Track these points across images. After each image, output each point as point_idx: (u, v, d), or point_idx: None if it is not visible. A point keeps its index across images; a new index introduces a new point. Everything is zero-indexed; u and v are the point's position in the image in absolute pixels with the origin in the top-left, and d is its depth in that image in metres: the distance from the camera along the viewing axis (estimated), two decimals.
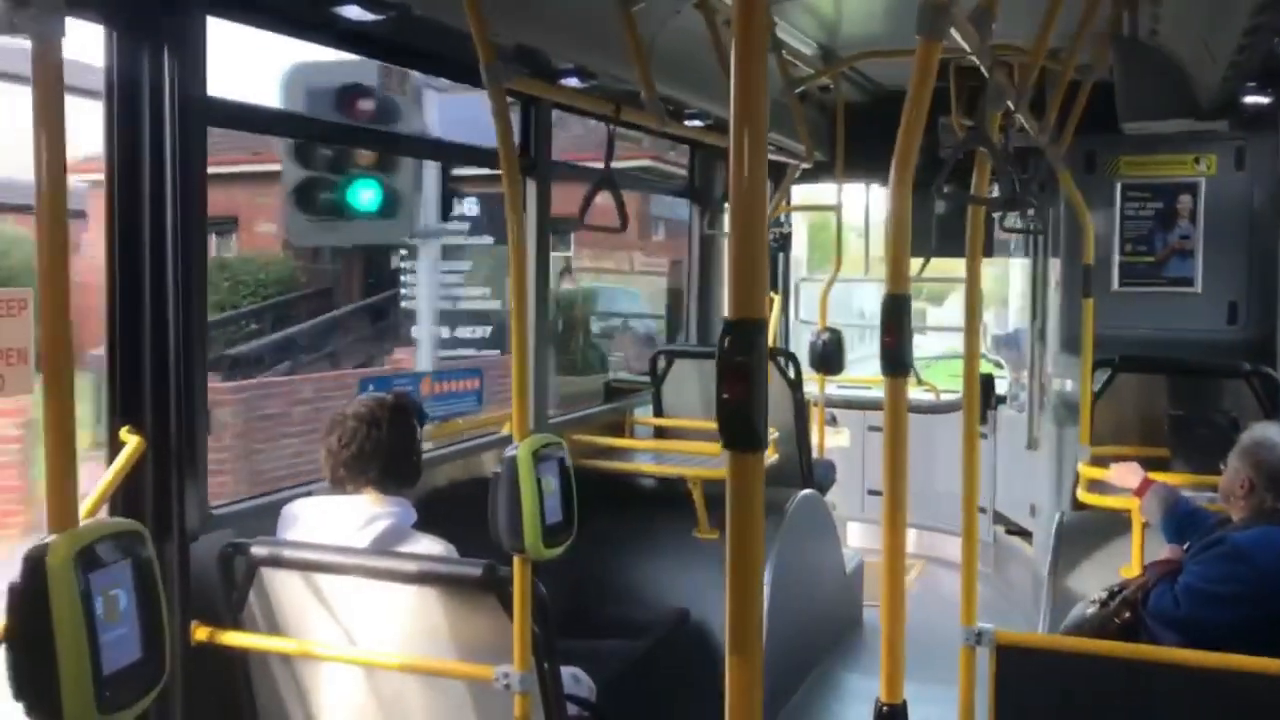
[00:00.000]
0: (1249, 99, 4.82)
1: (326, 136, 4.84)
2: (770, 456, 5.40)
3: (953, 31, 2.12)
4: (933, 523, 7.54)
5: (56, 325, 1.57)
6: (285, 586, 3.04)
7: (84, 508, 2.66)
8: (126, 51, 2.87)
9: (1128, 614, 3.55)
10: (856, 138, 6.71)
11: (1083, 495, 4.55)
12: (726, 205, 6.28)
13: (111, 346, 2.94)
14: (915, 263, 7.78)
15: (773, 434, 5.51)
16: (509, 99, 4.43)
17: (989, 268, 8.72)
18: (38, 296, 1.67)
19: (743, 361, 1.36)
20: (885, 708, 2.26)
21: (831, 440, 7.34)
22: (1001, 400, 7.32)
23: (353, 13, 3.19)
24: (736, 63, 1.37)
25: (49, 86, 1.50)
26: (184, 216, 2.93)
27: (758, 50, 1.39)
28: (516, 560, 2.74)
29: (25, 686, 1.60)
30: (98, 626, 1.59)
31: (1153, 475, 4.18)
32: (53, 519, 1.57)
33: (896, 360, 2.19)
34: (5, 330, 2.43)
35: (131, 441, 2.88)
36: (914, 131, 2.11)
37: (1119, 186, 6.13)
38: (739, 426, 1.39)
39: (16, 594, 1.57)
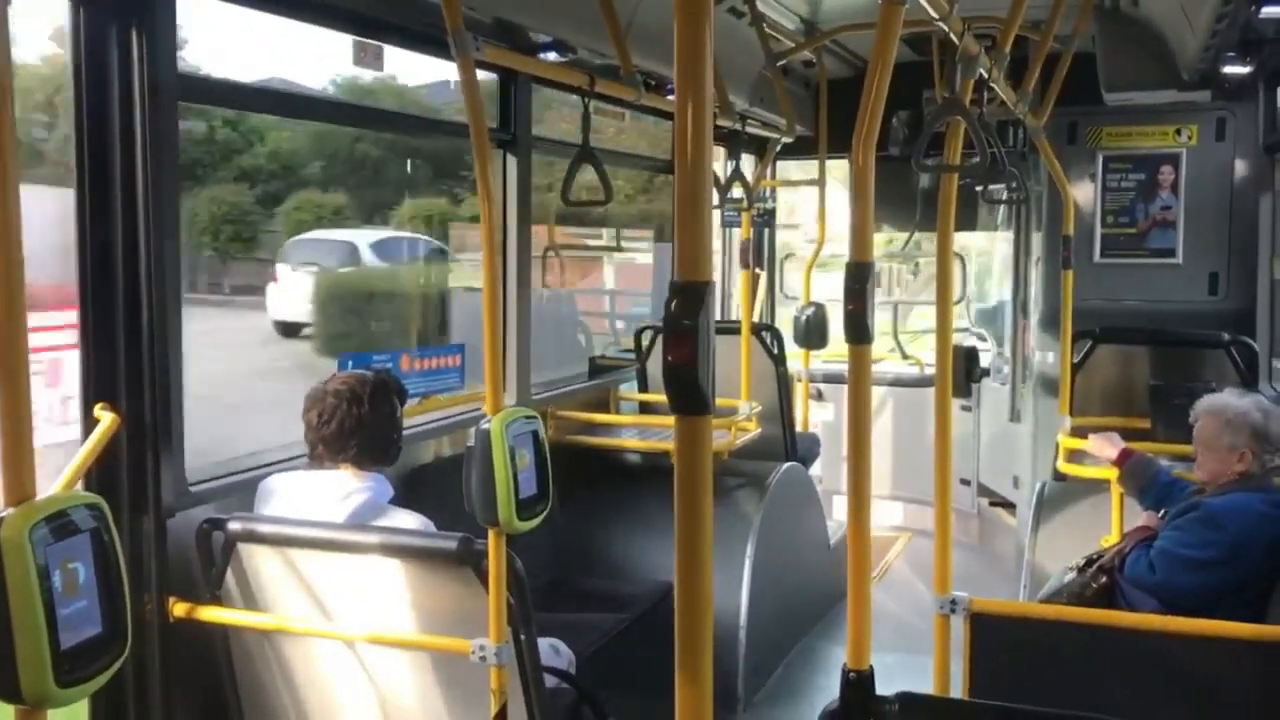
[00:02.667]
0: (1229, 69, 4.81)
1: (300, 112, 4.81)
2: (753, 430, 5.42)
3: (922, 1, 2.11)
4: (919, 495, 7.58)
5: (9, 298, 1.56)
6: (263, 561, 3.04)
7: (57, 484, 2.66)
8: (94, 27, 2.84)
9: (1104, 579, 3.58)
10: (840, 111, 6.69)
11: (1062, 466, 4.57)
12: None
13: (85, 323, 2.92)
14: (902, 235, 7.81)
15: (756, 408, 5.52)
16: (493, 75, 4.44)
17: (975, 241, 8.73)
18: None
19: (689, 325, 1.36)
20: (852, 674, 2.27)
21: (816, 414, 7.36)
22: (985, 373, 7.34)
23: None
24: (678, 27, 1.37)
25: None
26: (156, 192, 2.91)
27: (700, 18, 1.38)
28: (491, 533, 2.75)
29: None
30: (55, 600, 1.59)
31: (1132, 445, 4.20)
32: (9, 492, 1.57)
33: (860, 328, 2.19)
34: None
35: (106, 418, 2.87)
36: (877, 101, 2.10)
37: (1101, 158, 6.13)
38: (686, 390, 1.39)
39: None
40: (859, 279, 2.16)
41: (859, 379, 2.23)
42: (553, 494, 2.95)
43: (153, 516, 2.98)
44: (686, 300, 1.36)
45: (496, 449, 2.73)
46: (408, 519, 3.11)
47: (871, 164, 2.17)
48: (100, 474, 2.89)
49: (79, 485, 2.76)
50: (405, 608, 2.92)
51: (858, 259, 2.17)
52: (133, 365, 2.94)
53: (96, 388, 2.92)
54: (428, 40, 3.37)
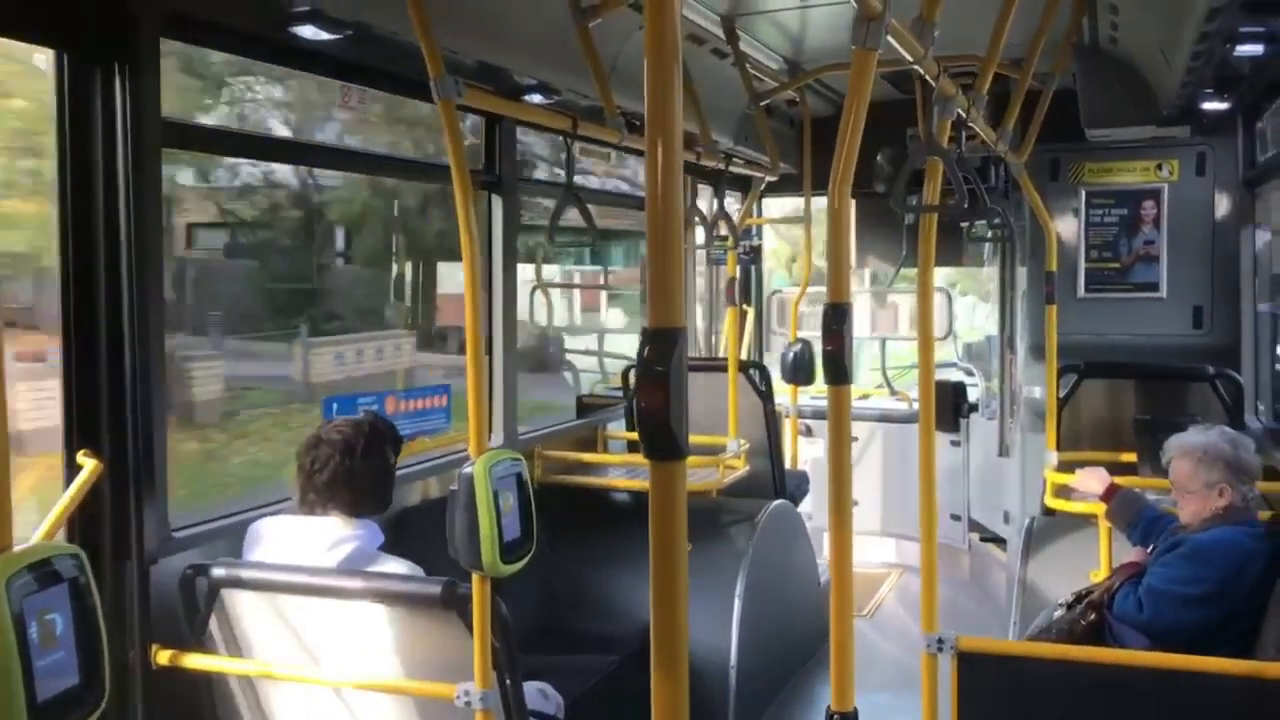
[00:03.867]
0: (1207, 105, 4.86)
1: (281, 156, 4.83)
2: (741, 468, 5.41)
3: (893, 41, 2.13)
4: (910, 531, 7.56)
5: None
6: (248, 608, 3.02)
7: (40, 532, 2.65)
8: (78, 75, 2.86)
9: (1093, 616, 3.57)
10: (824, 150, 6.73)
11: (1050, 501, 4.58)
12: (695, 221, 6.30)
13: (67, 369, 2.92)
14: (890, 272, 7.84)
15: (744, 445, 5.52)
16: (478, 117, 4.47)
17: (966, 277, 8.78)
18: None
19: (661, 371, 1.36)
20: (836, 716, 2.25)
21: (805, 451, 7.36)
22: (973, 408, 7.35)
23: (308, 33, 3.19)
24: (649, 71, 1.38)
25: None
26: (139, 238, 2.92)
27: (668, 57, 1.39)
28: (476, 578, 2.73)
29: None
30: (32, 652, 1.57)
31: (1119, 479, 4.20)
32: None
33: (839, 368, 2.20)
34: None
35: (89, 464, 2.86)
36: (851, 142, 2.12)
37: (1083, 193, 6.17)
38: (658, 435, 1.39)
39: None
40: (836, 320, 2.17)
41: (839, 419, 2.24)
42: (537, 536, 2.93)
43: (135, 563, 2.96)
44: (658, 346, 1.36)
45: (480, 492, 2.73)
46: (398, 567, 3.09)
47: (848, 206, 2.18)
48: (83, 520, 2.88)
49: (61, 532, 2.75)
50: (390, 653, 2.90)
51: (834, 300, 2.18)
52: (115, 412, 2.94)
53: (79, 434, 2.91)
54: (410, 84, 3.39)
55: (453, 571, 2.83)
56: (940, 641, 2.77)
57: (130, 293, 2.91)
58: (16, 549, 1.63)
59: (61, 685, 1.62)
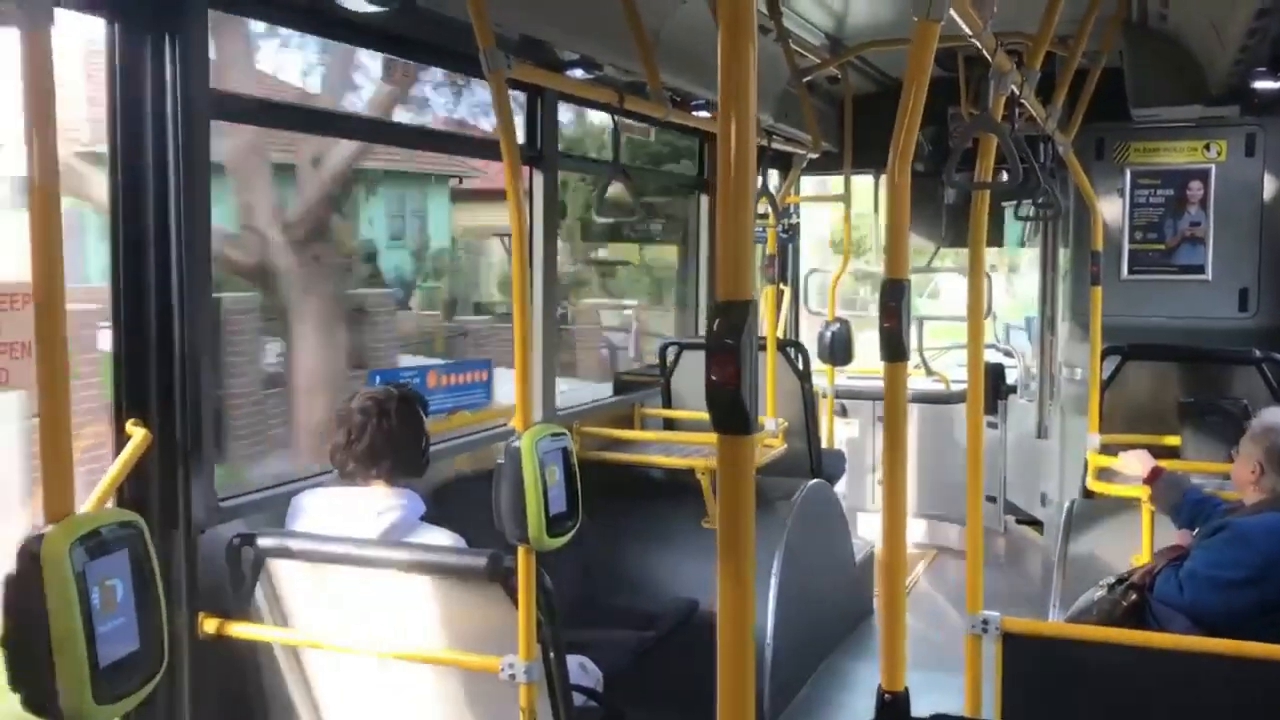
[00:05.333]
0: (1259, 84, 4.78)
1: (329, 129, 4.84)
2: (779, 447, 5.40)
3: (953, 15, 2.10)
4: (945, 513, 7.53)
5: (50, 316, 1.57)
6: (293, 578, 3.04)
7: (90, 500, 2.68)
8: (128, 46, 2.86)
9: (1134, 598, 3.54)
10: (865, 128, 6.69)
11: (1092, 483, 4.54)
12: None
13: (117, 340, 2.95)
14: (927, 251, 7.78)
15: (782, 424, 5.50)
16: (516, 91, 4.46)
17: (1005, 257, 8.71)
18: None
19: (731, 344, 1.35)
20: (887, 696, 2.25)
21: (841, 431, 7.33)
22: (1012, 390, 7.30)
23: (355, 4, 3.18)
24: (723, 46, 1.36)
25: (39, 79, 1.50)
26: (189, 210, 2.93)
27: (743, 33, 1.37)
28: (520, 550, 2.74)
29: (22, 678, 1.60)
30: (94, 617, 1.59)
31: (1163, 463, 4.16)
32: (48, 509, 1.57)
33: (896, 345, 2.18)
34: (7, 324, 2.43)
35: (137, 434, 2.88)
36: (913, 117, 2.09)
37: (1129, 173, 6.09)
38: (729, 409, 1.38)
39: (12, 585, 1.56)
40: (894, 296, 2.15)
41: (894, 397, 2.22)
42: (581, 511, 2.94)
43: (183, 532, 2.99)
44: (729, 319, 1.35)
45: (527, 466, 2.73)
46: (440, 537, 3.11)
47: (907, 181, 2.16)
48: (132, 490, 2.91)
49: (111, 501, 2.78)
50: (434, 624, 2.92)
51: (892, 275, 2.16)
52: (164, 383, 2.96)
53: (128, 405, 2.94)
54: (457, 57, 3.39)
55: (493, 544, 2.84)
56: (985, 622, 2.75)
57: (179, 264, 2.93)
58: (77, 515, 1.64)
59: (123, 650, 1.64)
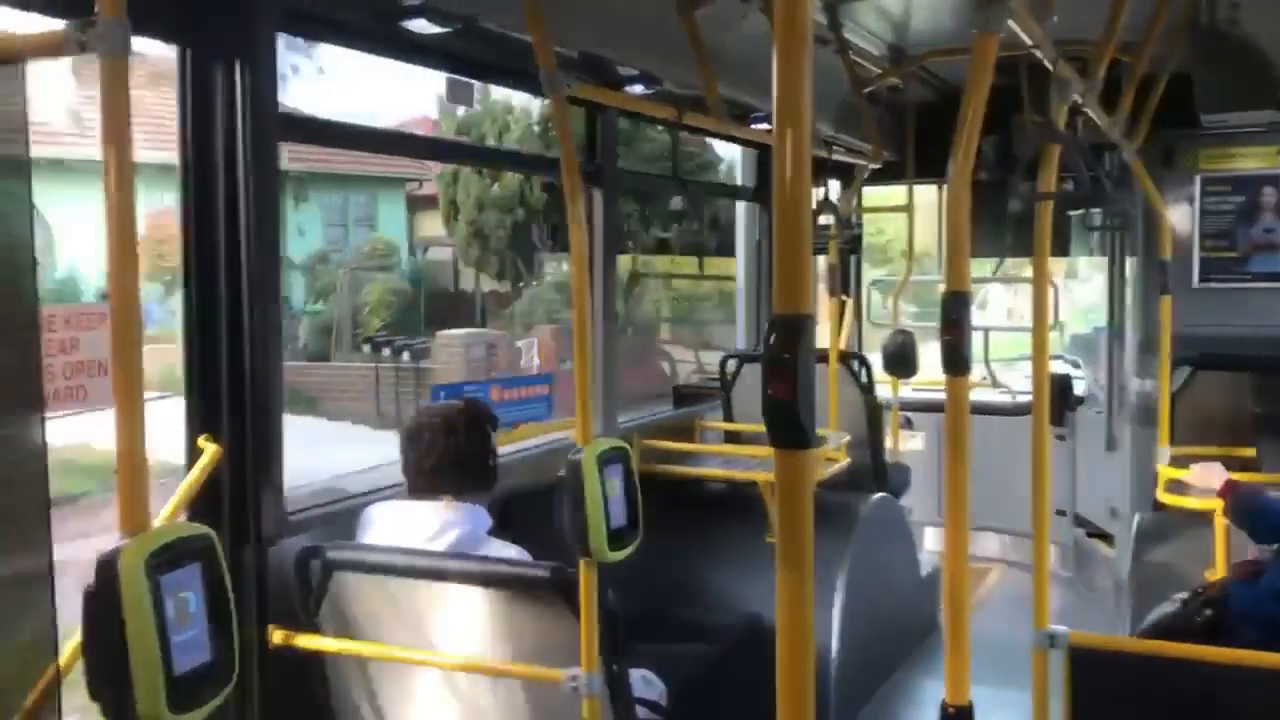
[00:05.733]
0: None
1: (393, 149, 4.92)
2: (842, 461, 5.36)
3: (1013, 25, 2.09)
4: (1013, 526, 7.42)
5: (125, 332, 1.62)
6: (361, 590, 3.09)
7: (163, 514, 2.75)
8: (198, 69, 2.94)
9: (1209, 613, 3.47)
10: (928, 137, 6.64)
11: (1162, 496, 4.45)
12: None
13: (189, 358, 3.02)
14: (990, 262, 7.70)
15: (844, 438, 5.47)
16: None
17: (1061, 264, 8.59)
18: None
19: (788, 358, 1.35)
20: (951, 710, 2.23)
21: (906, 444, 7.26)
22: (1080, 401, 7.19)
23: (419, 26, 3.25)
24: (778, 58, 1.37)
25: (117, 104, 1.55)
26: (258, 230, 3.00)
27: (799, 44, 1.38)
28: (582, 563, 2.76)
29: (100, 687, 1.65)
30: (168, 628, 1.63)
31: (1237, 476, 4.07)
32: (124, 523, 1.62)
33: (957, 358, 2.17)
34: (86, 344, 2.51)
35: (209, 449, 2.96)
36: (972, 128, 2.08)
37: (1199, 180, 5.98)
38: (786, 424, 1.38)
39: (90, 597, 1.61)
40: (956, 308, 2.14)
41: (956, 410, 2.21)
42: (642, 524, 2.95)
43: (253, 545, 3.05)
44: (786, 333, 1.36)
45: (588, 479, 2.75)
46: (504, 551, 3.14)
47: (968, 192, 2.15)
48: (203, 503, 2.97)
49: (183, 515, 2.85)
50: (498, 637, 2.94)
51: (954, 288, 2.15)
52: (235, 399, 3.02)
53: (200, 420, 3.01)
54: (518, 76, 3.44)
55: (556, 557, 2.87)
56: (1052, 637, 2.71)
57: (249, 282, 3.00)
58: (152, 529, 1.69)
59: (196, 661, 1.68)
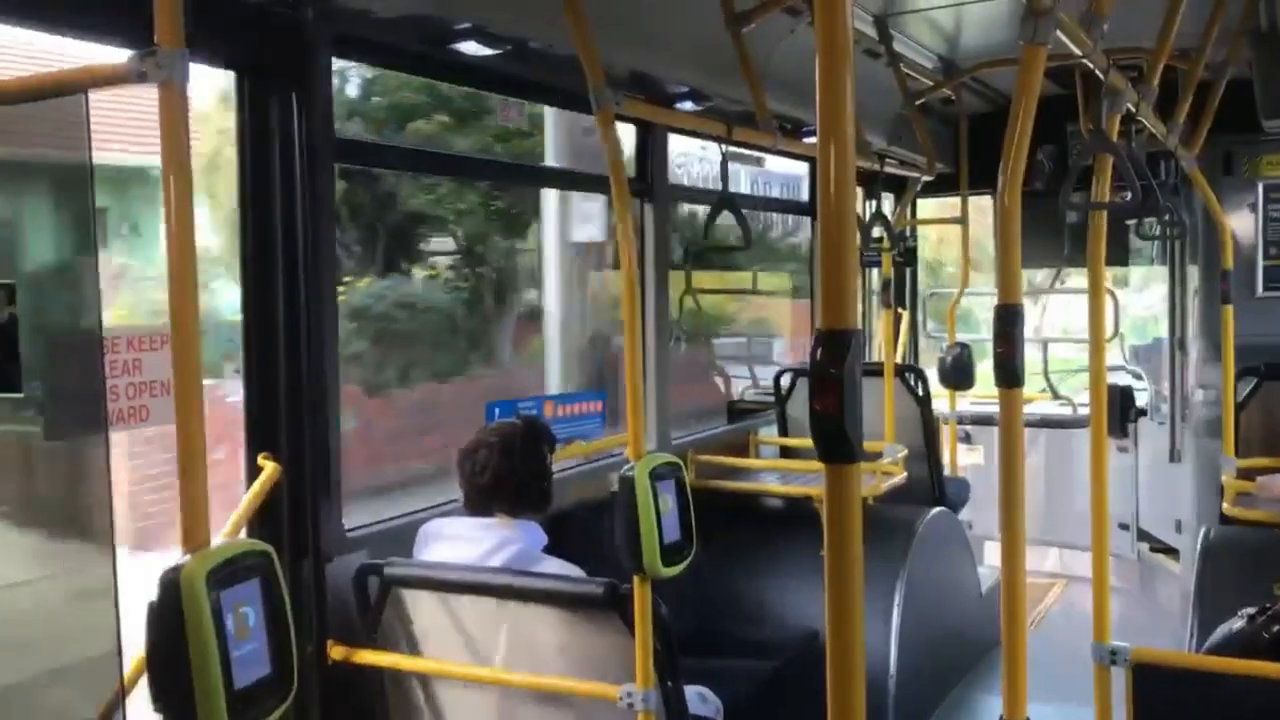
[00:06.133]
0: None
1: (446, 170, 4.99)
2: (899, 474, 5.32)
3: (1061, 36, 2.08)
4: (1073, 540, 7.31)
5: (186, 353, 1.66)
6: (418, 606, 3.12)
7: (223, 531, 2.80)
8: (255, 95, 3.01)
9: (1277, 629, 3.39)
10: (981, 148, 6.59)
11: (1229, 509, 4.36)
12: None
13: (249, 378, 3.08)
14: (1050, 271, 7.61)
15: (901, 451, 5.43)
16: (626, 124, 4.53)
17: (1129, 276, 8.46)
18: None
19: (834, 372, 1.36)
20: None
21: (964, 457, 7.19)
22: (1142, 413, 7.07)
23: (470, 48, 3.29)
24: (820, 72, 1.38)
25: (176, 131, 1.59)
26: (315, 252, 3.06)
27: (839, 59, 1.39)
28: (636, 579, 2.77)
29: (163, 699, 1.69)
30: (229, 643, 1.66)
31: None
32: (186, 539, 1.66)
33: (1010, 371, 2.15)
34: (149, 364, 2.57)
35: (268, 467, 3.01)
36: (1021, 140, 2.07)
37: (1260, 187, 5.87)
38: (834, 438, 1.39)
39: (154, 612, 1.65)
40: (1008, 322, 2.13)
41: (1010, 424, 2.19)
42: (696, 540, 2.95)
43: (312, 561, 3.10)
44: (832, 348, 1.36)
45: (641, 495, 2.76)
46: (559, 568, 3.16)
47: (1018, 205, 2.14)
48: (262, 520, 3.03)
49: (243, 531, 2.90)
50: (554, 652, 2.96)
51: (1005, 301, 2.14)
52: (293, 418, 3.08)
53: (260, 438, 3.07)
54: (567, 95, 3.48)
55: (609, 574, 2.88)
56: (1114, 653, 2.67)
57: (306, 303, 3.05)
58: (213, 546, 1.73)
59: (256, 675, 1.71)
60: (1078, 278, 8.10)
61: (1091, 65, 2.42)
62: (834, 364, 1.36)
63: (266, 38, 2.97)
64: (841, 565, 1.43)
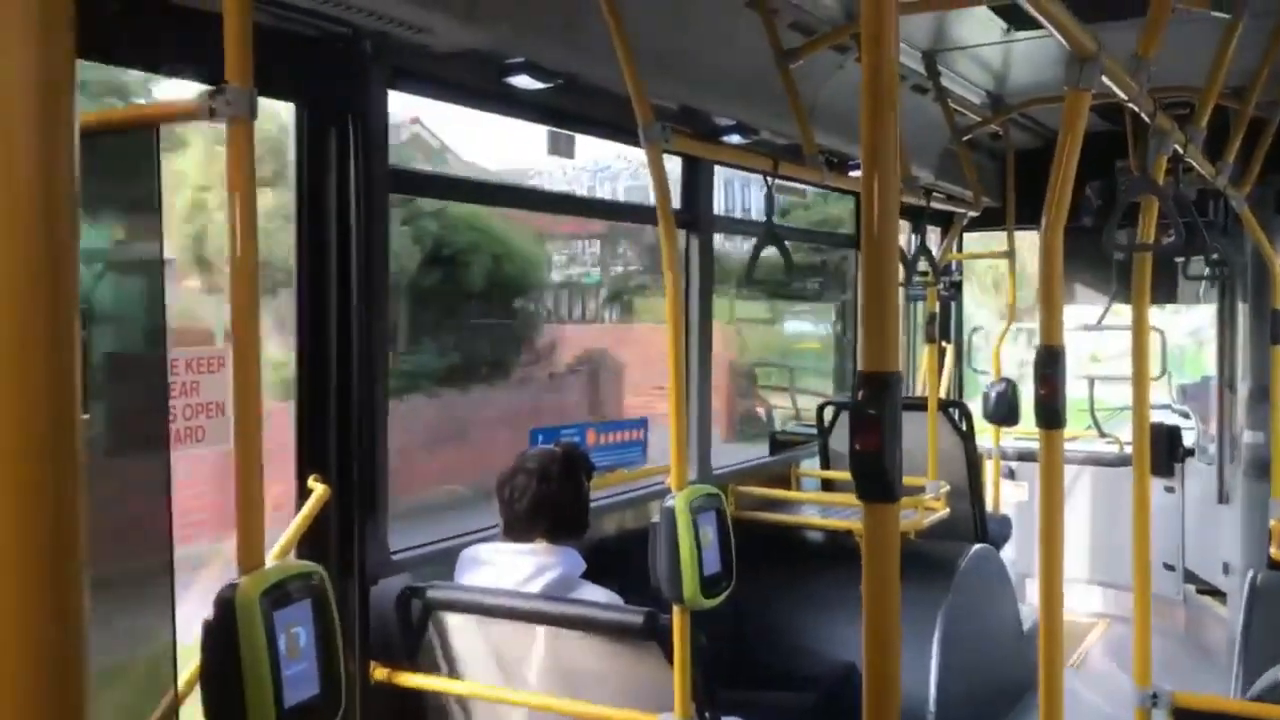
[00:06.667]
0: None
1: (498, 200, 5.06)
2: (940, 510, 5.30)
3: (1107, 81, 2.10)
4: (1119, 580, 7.22)
5: (246, 376, 1.71)
6: (458, 629, 3.16)
7: (274, 552, 2.86)
8: (315, 126, 3.09)
9: None
10: (1029, 183, 6.57)
11: (1276, 553, 4.31)
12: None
13: (300, 401, 3.14)
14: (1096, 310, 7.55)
15: (943, 487, 5.41)
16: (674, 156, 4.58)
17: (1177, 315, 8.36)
18: None
19: (874, 414, 1.39)
20: None
21: (1008, 494, 7.14)
22: (1190, 452, 6.99)
23: (522, 82, 3.36)
24: (865, 113, 1.41)
25: (242, 165, 1.66)
26: (367, 279, 3.12)
27: (885, 97, 1.42)
28: (676, 609, 2.79)
29: (215, 714, 1.73)
30: (280, 662, 1.71)
31: None
32: (241, 560, 1.71)
33: (1051, 412, 2.16)
34: (206, 386, 2.64)
35: (318, 489, 3.07)
36: (1065, 182, 2.09)
37: None
38: (871, 477, 1.41)
39: (209, 631, 1.70)
40: (1050, 363, 2.14)
41: (1051, 464, 2.20)
42: (736, 571, 2.97)
43: (357, 582, 3.15)
44: (873, 390, 1.39)
45: (681, 526, 2.79)
46: (598, 595, 3.18)
47: (1059, 244, 2.15)
48: (311, 541, 3.08)
49: (293, 552, 2.96)
50: (593, 680, 2.98)
51: (1047, 342, 2.15)
52: (342, 441, 3.14)
53: (310, 460, 3.13)
54: (617, 128, 3.54)
55: (649, 602, 2.90)
56: (1155, 697, 2.65)
57: (359, 329, 3.12)
58: (266, 567, 1.78)
59: (305, 694, 1.76)
60: (1128, 314, 8.02)
61: (1138, 109, 2.43)
62: (874, 404, 1.39)
63: (325, 71, 3.05)
64: (879, 602, 1.45)
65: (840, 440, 5.99)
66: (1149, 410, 2.81)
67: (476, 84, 3.45)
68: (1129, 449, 7.13)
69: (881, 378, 1.40)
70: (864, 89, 1.44)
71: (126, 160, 1.81)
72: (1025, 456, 7.41)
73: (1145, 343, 2.74)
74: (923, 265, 5.73)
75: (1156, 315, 8.24)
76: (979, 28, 4.80)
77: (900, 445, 1.42)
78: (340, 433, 3.14)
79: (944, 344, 7.55)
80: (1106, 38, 2.10)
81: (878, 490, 1.43)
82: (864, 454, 1.40)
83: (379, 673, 3.14)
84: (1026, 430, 7.37)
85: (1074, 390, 8.80)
